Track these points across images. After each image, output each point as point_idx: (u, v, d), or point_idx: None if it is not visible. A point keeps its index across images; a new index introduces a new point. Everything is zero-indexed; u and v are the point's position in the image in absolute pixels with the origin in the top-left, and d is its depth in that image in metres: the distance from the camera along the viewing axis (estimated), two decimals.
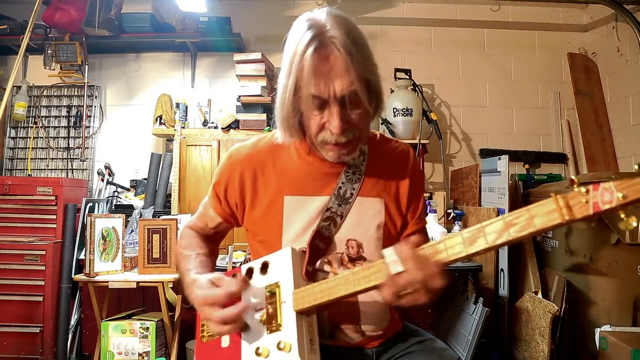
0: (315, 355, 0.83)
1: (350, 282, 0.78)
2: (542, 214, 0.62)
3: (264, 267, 0.90)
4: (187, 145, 2.92)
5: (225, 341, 0.90)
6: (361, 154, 1.03)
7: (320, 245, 0.95)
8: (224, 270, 1.96)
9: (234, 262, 2.37)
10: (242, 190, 1.01)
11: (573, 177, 0.63)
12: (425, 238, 1.10)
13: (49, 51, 3.06)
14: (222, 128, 2.93)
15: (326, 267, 0.97)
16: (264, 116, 2.97)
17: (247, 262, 0.97)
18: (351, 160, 1.00)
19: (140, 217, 2.70)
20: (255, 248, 1.06)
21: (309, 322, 0.85)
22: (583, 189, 0.59)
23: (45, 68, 3.10)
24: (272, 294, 0.86)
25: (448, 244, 0.70)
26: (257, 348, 0.84)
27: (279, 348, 0.81)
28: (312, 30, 0.85)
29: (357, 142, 0.93)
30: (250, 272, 0.92)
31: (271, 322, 0.84)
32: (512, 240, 0.65)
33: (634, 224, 0.57)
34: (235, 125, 2.94)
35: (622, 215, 0.57)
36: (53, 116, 3.26)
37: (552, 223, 0.61)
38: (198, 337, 0.97)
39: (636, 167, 0.56)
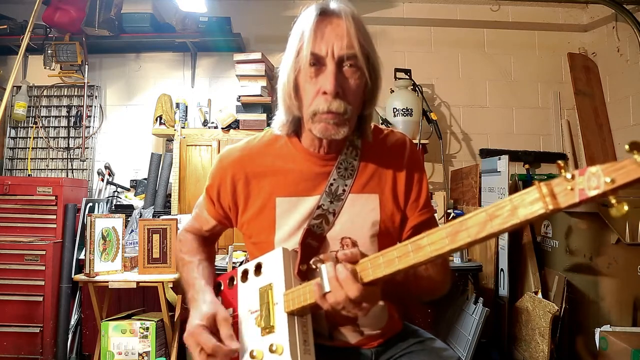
0: (309, 356, 0.82)
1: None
2: (525, 204, 0.57)
3: (258, 269, 0.90)
4: (187, 145, 2.92)
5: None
6: (353, 148, 1.00)
7: (312, 243, 0.94)
8: (224, 270, 1.95)
9: (233, 262, 2.37)
10: (234, 192, 1.01)
11: (560, 162, 0.57)
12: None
13: (49, 51, 3.06)
14: (222, 128, 2.93)
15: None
16: (264, 116, 2.97)
17: (246, 262, 0.97)
18: (343, 156, 0.99)
19: (140, 217, 2.70)
20: (250, 249, 1.06)
21: (302, 322, 0.84)
22: (568, 175, 0.54)
23: (45, 68, 3.10)
24: (265, 296, 0.86)
25: (431, 238, 0.66)
26: (252, 351, 0.83)
27: (271, 351, 0.80)
28: (318, 5, 0.91)
29: (347, 121, 0.91)
30: (245, 273, 0.92)
31: (265, 325, 0.84)
32: (497, 233, 0.61)
33: (626, 208, 0.52)
34: (235, 125, 2.94)
35: (613, 201, 0.53)
36: (53, 116, 3.26)
37: (536, 214, 0.56)
38: None
39: (627, 147, 0.51)
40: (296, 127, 1.00)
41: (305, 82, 0.91)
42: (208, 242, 1.13)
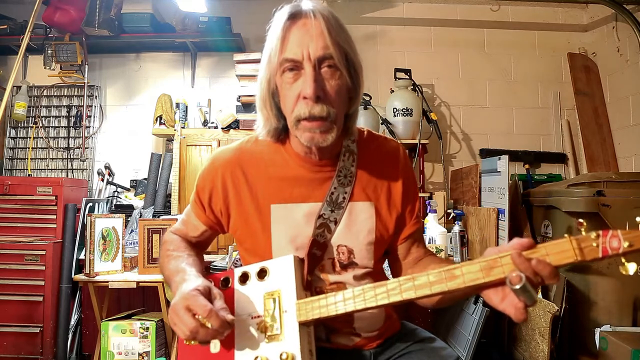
0: None
1: (361, 299, 0.78)
2: (556, 252, 0.67)
3: (262, 273, 0.88)
4: (187, 145, 2.92)
5: (215, 346, 0.86)
6: (350, 154, 0.99)
7: (317, 253, 0.93)
8: (223, 270, 1.93)
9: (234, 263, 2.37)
10: (226, 196, 0.98)
11: (581, 220, 0.68)
12: (421, 239, 1.07)
13: (49, 51, 3.06)
14: (222, 128, 2.93)
15: (321, 275, 0.95)
16: None
17: (236, 263, 0.96)
18: (341, 163, 0.97)
19: (140, 217, 2.70)
20: (243, 255, 1.04)
21: (308, 332, 0.83)
22: (593, 234, 0.65)
23: (45, 68, 3.10)
24: (271, 302, 0.84)
25: (465, 270, 0.72)
26: (256, 357, 0.81)
27: (281, 358, 0.79)
28: (289, 7, 0.89)
29: (332, 124, 0.87)
30: (245, 276, 0.89)
31: (270, 331, 0.82)
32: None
33: (631, 272, 0.63)
34: (235, 125, 2.94)
35: (623, 260, 0.64)
36: (53, 116, 3.26)
37: (565, 261, 0.66)
38: (181, 339, 0.89)
39: (638, 219, 0.64)
40: (283, 132, 0.98)
41: (284, 88, 0.88)
42: (195, 247, 1.07)
